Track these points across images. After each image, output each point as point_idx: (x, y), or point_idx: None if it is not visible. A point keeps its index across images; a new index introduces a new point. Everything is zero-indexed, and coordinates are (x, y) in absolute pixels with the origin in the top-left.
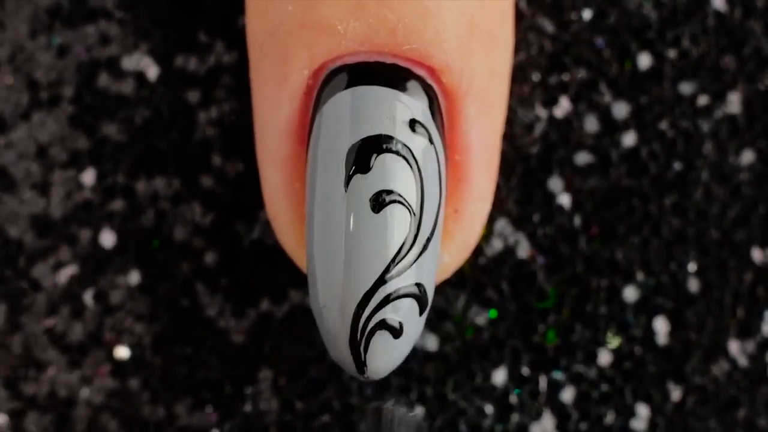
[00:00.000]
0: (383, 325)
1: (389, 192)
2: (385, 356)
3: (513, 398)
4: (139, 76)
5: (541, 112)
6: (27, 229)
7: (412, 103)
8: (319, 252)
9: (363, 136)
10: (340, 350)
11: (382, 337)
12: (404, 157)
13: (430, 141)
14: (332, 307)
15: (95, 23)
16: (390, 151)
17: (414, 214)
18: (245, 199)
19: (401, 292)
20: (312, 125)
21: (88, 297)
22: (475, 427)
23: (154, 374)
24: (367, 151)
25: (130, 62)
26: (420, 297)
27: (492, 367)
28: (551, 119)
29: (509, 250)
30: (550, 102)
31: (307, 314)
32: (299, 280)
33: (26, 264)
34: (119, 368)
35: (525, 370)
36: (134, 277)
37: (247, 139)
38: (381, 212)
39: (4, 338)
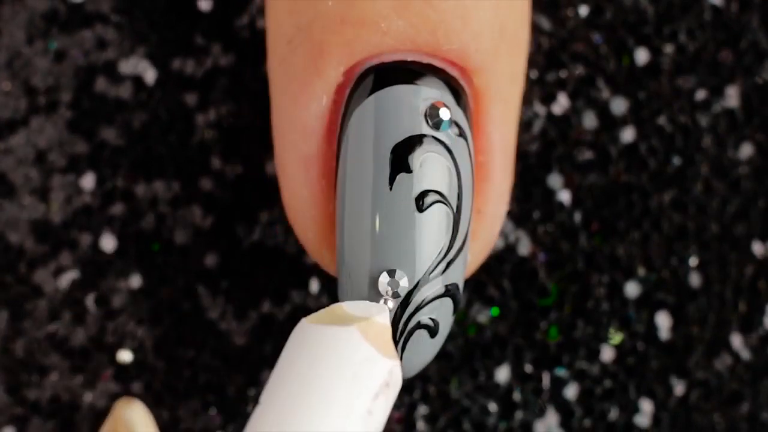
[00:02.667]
0: (421, 324)
1: (433, 192)
2: (422, 355)
3: (516, 395)
4: (137, 80)
5: (540, 109)
6: (27, 235)
7: (448, 101)
8: (352, 253)
9: (405, 136)
10: None
11: (420, 337)
12: (443, 156)
13: (464, 138)
14: None
15: (92, 28)
16: (431, 150)
17: (453, 213)
18: (245, 201)
19: (440, 292)
20: (344, 124)
21: (89, 301)
22: (479, 426)
23: (157, 378)
24: (409, 150)
25: (127, 66)
26: (455, 295)
27: (495, 365)
28: (550, 116)
29: (510, 248)
30: (549, 99)
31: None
32: (300, 281)
33: (27, 270)
34: (122, 372)
35: (528, 368)
36: (135, 281)
37: (246, 140)
38: (426, 212)
39: (6, 344)
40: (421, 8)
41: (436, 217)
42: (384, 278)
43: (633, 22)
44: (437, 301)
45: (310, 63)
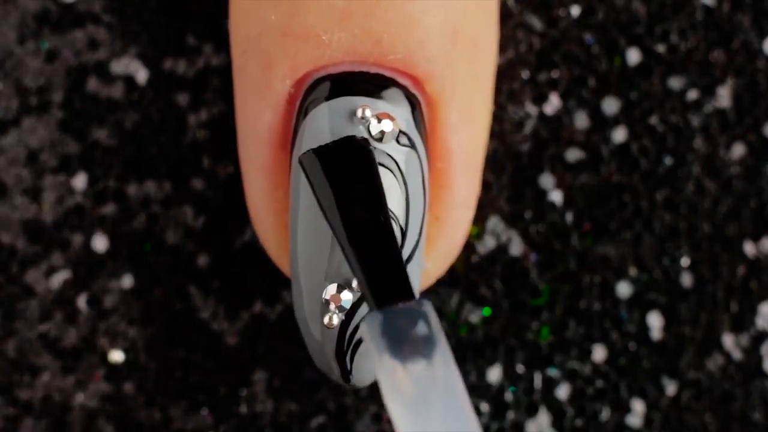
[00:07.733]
0: None
1: None
2: (371, 367)
3: (508, 396)
4: (129, 80)
5: (531, 109)
6: (19, 235)
7: (394, 112)
8: (303, 264)
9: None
10: (326, 361)
11: (367, 350)
12: (389, 169)
13: (414, 149)
14: (317, 317)
15: (83, 28)
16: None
17: (400, 225)
18: (236, 201)
19: None
20: (296, 134)
21: (81, 301)
22: None
23: (149, 378)
24: None
25: (119, 66)
26: None
27: (486, 365)
28: (541, 116)
29: (502, 248)
30: (540, 99)
31: None
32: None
33: (19, 270)
34: (113, 372)
35: (520, 368)
36: (127, 281)
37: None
38: None
39: None
40: (363, 20)
41: None
42: (329, 292)
43: (625, 23)
44: None
45: (260, 75)
